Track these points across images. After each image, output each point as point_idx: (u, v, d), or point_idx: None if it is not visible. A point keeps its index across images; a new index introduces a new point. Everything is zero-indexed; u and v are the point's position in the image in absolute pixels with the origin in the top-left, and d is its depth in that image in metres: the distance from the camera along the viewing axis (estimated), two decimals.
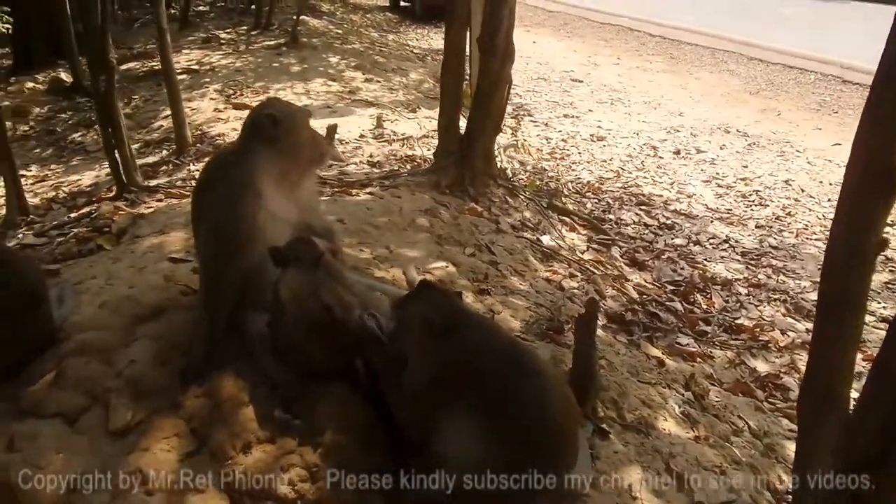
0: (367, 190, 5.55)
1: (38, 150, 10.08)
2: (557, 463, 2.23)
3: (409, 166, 6.96)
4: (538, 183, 7.43)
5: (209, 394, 2.48)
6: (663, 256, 6.86)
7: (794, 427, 4.28)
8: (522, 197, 6.47)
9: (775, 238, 7.59)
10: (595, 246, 6.36)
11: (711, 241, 7.47)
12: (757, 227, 7.87)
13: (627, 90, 13.73)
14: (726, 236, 7.51)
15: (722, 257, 7.07)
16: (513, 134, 9.67)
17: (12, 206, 7.06)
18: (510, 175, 6.98)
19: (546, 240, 5.87)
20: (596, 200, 8.26)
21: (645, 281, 6.17)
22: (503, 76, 5.94)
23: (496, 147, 8.57)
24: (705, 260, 6.94)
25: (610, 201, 8.24)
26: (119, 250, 4.23)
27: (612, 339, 4.45)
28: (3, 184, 7.20)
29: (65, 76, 11.87)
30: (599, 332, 4.41)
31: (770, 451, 3.81)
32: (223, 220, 2.65)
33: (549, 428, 2.21)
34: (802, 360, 5.27)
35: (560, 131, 11.18)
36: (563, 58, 16.44)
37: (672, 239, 7.38)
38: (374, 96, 10.57)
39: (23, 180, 8.53)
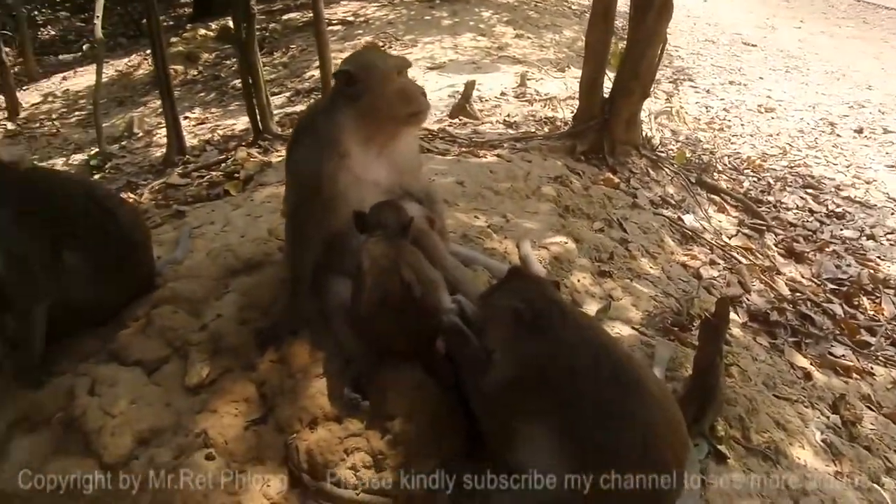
0: (496, 152, 5.25)
1: (202, 94, 10.67)
2: (651, 497, 1.88)
3: (546, 128, 6.55)
4: (688, 155, 6.74)
5: (284, 360, 2.37)
6: (827, 249, 6.02)
7: None
8: (667, 170, 5.88)
9: None
10: (746, 231, 5.67)
11: (889, 236, 6.46)
12: None
13: (807, 57, 12.25)
14: None
15: None
16: (667, 100, 8.91)
17: (172, 145, 7.48)
18: (656, 144, 6.37)
19: (689, 219, 5.29)
20: (755, 179, 7.40)
21: (801, 276, 5.43)
22: (657, 34, 5.35)
23: (645, 113, 7.95)
24: (879, 258, 6.01)
25: (771, 181, 7.35)
26: (242, 197, 4.27)
27: (751, 340, 3.90)
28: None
29: (233, 24, 12.43)
30: (737, 331, 3.89)
31: None
32: (304, 180, 2.50)
33: (646, 456, 1.86)
34: None
35: (723, 100, 10.17)
36: (736, 19, 14.98)
37: (840, 230, 6.46)
38: (522, 53, 10.14)
39: (185, 122, 9.11)
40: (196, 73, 11.26)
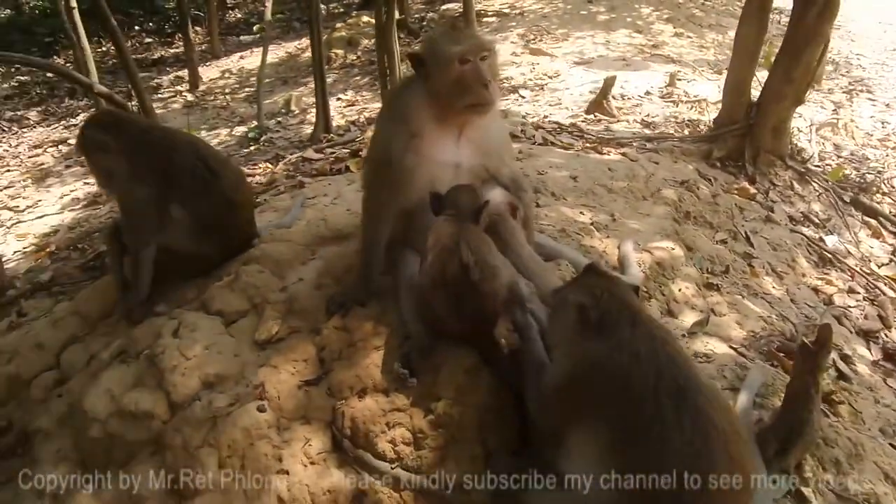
0: (622, 150, 5.03)
1: (357, 78, 11.16)
2: None
3: (687, 131, 6.19)
4: (848, 172, 6.08)
5: (347, 328, 2.44)
6: None
7: None
8: (816, 185, 5.35)
9: None
10: None
11: None
12: None
13: None
14: None
15: None
16: (835, 111, 8.08)
17: (319, 124, 7.93)
18: (810, 157, 5.81)
19: (832, 241, 4.79)
20: None
21: None
22: (819, 33, 4.86)
23: (806, 123, 7.28)
24: None
25: None
26: (359, 173, 4.41)
27: (880, 381, 3.46)
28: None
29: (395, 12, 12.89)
30: (863, 368, 3.48)
31: None
32: (377, 155, 2.54)
33: (700, 493, 1.70)
34: None
35: None
36: None
37: None
38: (678, 53, 9.65)
39: (337, 103, 9.60)
40: (355, 57, 11.79)
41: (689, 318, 3.11)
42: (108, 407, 2.34)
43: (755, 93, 5.29)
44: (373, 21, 12.87)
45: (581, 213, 3.65)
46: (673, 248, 3.48)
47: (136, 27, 15.88)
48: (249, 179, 5.52)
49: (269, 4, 9.01)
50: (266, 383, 2.28)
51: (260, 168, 5.96)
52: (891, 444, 2.91)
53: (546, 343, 2.09)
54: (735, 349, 2.98)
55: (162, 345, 2.45)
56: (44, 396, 2.67)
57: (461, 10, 12.50)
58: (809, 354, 2.32)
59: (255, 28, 14.76)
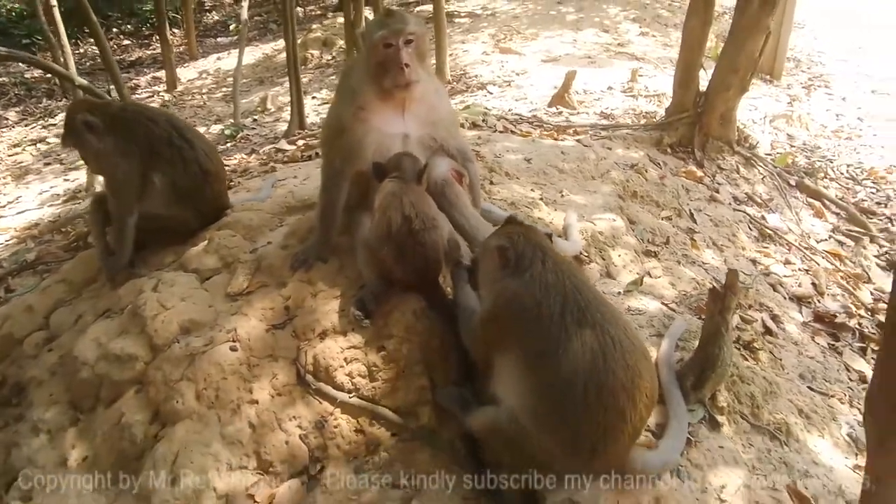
0: (577, 137, 5.35)
1: (332, 77, 11.41)
2: (602, 429, 2.02)
3: (643, 122, 6.53)
4: (796, 159, 6.46)
5: (310, 281, 2.71)
6: None
7: None
8: (761, 169, 5.71)
9: None
10: (839, 237, 5.40)
11: None
12: None
13: None
14: None
15: None
16: (789, 103, 8.50)
17: (294, 120, 8.18)
18: (756, 143, 6.18)
19: (774, 219, 5.14)
20: (873, 190, 6.95)
21: None
22: (761, 25, 5.21)
23: (761, 115, 7.67)
24: None
25: (891, 194, 6.87)
26: None
27: (807, 338, 3.80)
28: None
29: (369, 13, 13.17)
30: (792, 328, 3.81)
31: None
32: (330, 126, 2.82)
33: (599, 397, 2.01)
34: None
35: (860, 108, 9.51)
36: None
37: None
38: (643, 51, 10.03)
39: (312, 101, 9.86)
40: (330, 58, 12.06)
41: (626, 280, 3.42)
42: (96, 352, 2.60)
43: (705, 84, 5.64)
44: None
45: (532, 190, 3.96)
46: (614, 220, 3.80)
47: (114, 29, 16.01)
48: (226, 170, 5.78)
49: (245, 4, 9.22)
50: (237, 328, 2.55)
51: (235, 160, 6.21)
52: (809, 387, 3.24)
53: (474, 284, 2.38)
54: (666, 305, 3.29)
55: (143, 298, 2.71)
56: (35, 353, 2.92)
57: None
58: (718, 297, 2.64)
59: (231, 28, 14.98)
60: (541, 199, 3.85)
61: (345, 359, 2.44)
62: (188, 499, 2.17)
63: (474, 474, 2.26)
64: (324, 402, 2.40)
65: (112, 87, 7.68)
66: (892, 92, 10.36)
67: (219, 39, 15.31)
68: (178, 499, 2.17)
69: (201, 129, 9.61)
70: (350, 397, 2.40)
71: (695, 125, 5.59)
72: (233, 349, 2.47)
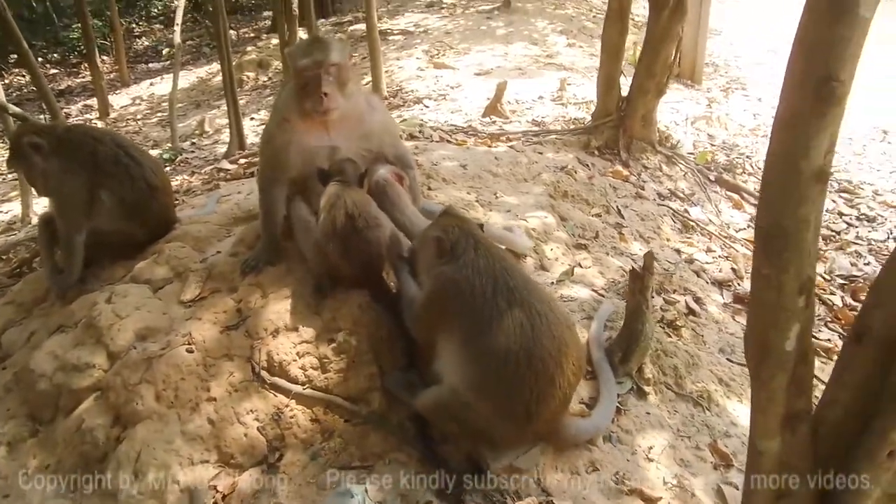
0: (510, 143, 5.62)
1: (269, 98, 11.48)
2: (535, 395, 2.23)
3: (572, 127, 6.86)
4: (716, 157, 6.90)
5: (260, 284, 2.86)
6: (849, 249, 6.07)
7: None
8: (682, 166, 6.10)
9: None
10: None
11: None
12: None
13: (879, 66, 11.91)
14: None
15: None
16: (708, 105, 9.01)
17: (234, 142, 8.25)
18: (677, 142, 6.58)
19: (695, 211, 5.50)
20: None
21: None
22: (672, 32, 5.59)
23: (682, 116, 8.12)
24: None
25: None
26: None
27: (728, 318, 4.12)
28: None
29: (304, 35, 13.30)
30: (713, 309, 4.12)
31: None
32: (263, 139, 3.04)
33: (529, 365, 2.22)
34: None
35: (774, 108, 10.08)
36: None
37: (869, 232, 6.46)
38: (571, 61, 10.44)
39: (251, 122, 9.92)
40: (266, 79, 12.13)
41: (559, 271, 3.67)
42: (53, 364, 2.68)
43: (627, 89, 6.00)
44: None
45: (468, 193, 4.18)
46: (546, 217, 4.05)
47: (39, 59, 15.68)
48: None
49: (177, 28, 9.25)
50: (192, 331, 2.67)
51: (178, 181, 6.26)
52: (729, 360, 3.54)
53: (415, 273, 2.57)
54: (596, 291, 3.55)
55: (98, 309, 2.80)
56: None
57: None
58: (637, 277, 2.90)
59: (164, 53, 14.88)
60: (476, 201, 4.07)
61: (297, 353, 2.59)
62: (152, 494, 2.28)
63: (423, 450, 2.43)
64: (279, 395, 2.54)
65: (47, 116, 7.61)
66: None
67: (151, 65, 15.17)
68: (143, 494, 2.27)
69: None
70: (304, 389, 2.55)
71: (619, 128, 5.92)
72: (189, 351, 2.59)
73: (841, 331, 4.64)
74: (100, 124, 11.30)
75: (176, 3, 9.38)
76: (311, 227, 2.81)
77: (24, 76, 14.93)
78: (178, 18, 9.41)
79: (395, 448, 2.49)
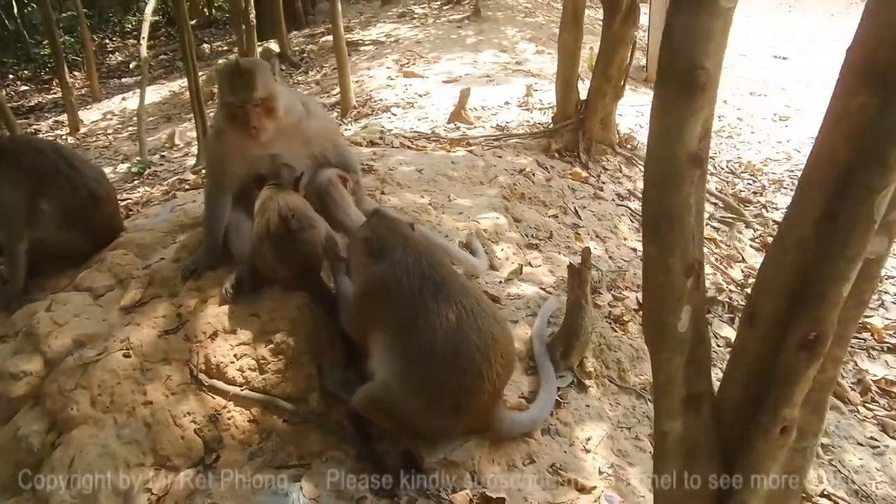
0: (470, 148, 5.68)
1: None
2: (463, 388, 2.27)
3: (533, 131, 6.94)
4: None
5: (200, 288, 2.88)
6: None
7: (878, 436, 3.78)
8: (642, 167, 6.17)
9: None
10: (714, 224, 5.90)
11: None
12: None
13: (838, 69, 12.15)
14: None
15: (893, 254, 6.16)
16: None
17: (201, 154, 8.25)
18: (636, 145, 6.67)
19: None
20: (750, 182, 7.60)
21: None
22: (625, 36, 5.70)
23: (647, 119, 8.21)
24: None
25: (766, 184, 7.53)
26: None
27: None
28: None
29: (275, 46, 13.34)
30: None
31: (823, 451, 3.41)
32: (206, 148, 3.08)
33: (456, 358, 2.26)
34: None
35: (739, 109, 10.30)
36: (776, 34, 14.95)
37: None
38: (539, 68, 10.54)
39: None
40: None
41: (508, 269, 3.72)
42: None
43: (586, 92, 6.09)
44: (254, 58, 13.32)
45: (421, 196, 4.23)
46: (498, 218, 4.10)
47: (10, 75, 15.64)
48: (128, 202, 5.83)
49: (143, 42, 9.26)
50: (130, 336, 2.69)
51: (139, 193, 6.26)
52: None
53: (350, 273, 2.61)
54: (544, 289, 3.60)
55: (37, 318, 2.81)
56: None
57: None
58: (576, 272, 2.95)
59: (131, 66, 14.88)
60: (429, 204, 4.12)
61: (235, 355, 2.62)
62: (85, 498, 2.29)
63: (361, 448, 2.46)
64: (217, 397, 2.56)
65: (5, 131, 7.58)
66: (768, 93, 11.25)
67: (123, 80, 15.13)
68: (76, 498, 2.28)
69: (107, 169, 9.52)
70: (241, 390, 2.57)
71: (578, 131, 6.01)
72: (126, 356, 2.61)
73: None
74: (70, 140, 11.26)
75: (144, 17, 9.37)
76: (243, 228, 2.86)
77: None
78: (144, 33, 9.41)
79: (333, 447, 2.51)
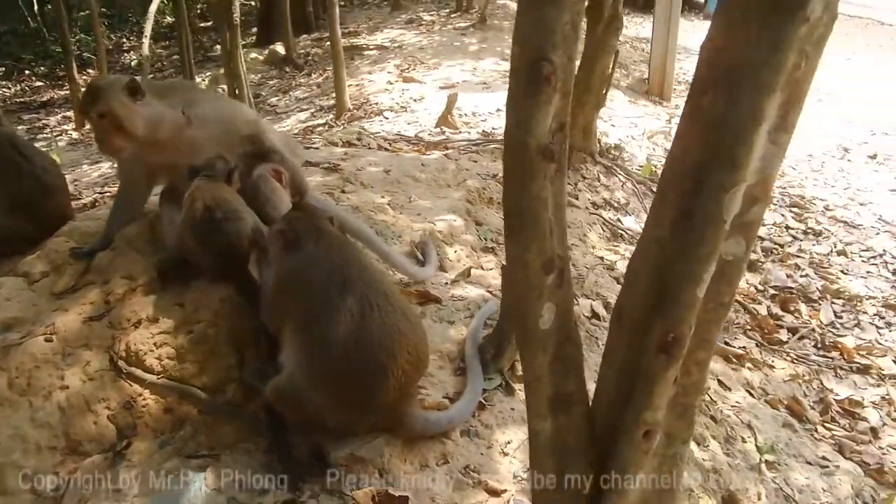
0: (446, 151, 5.69)
1: None
2: (366, 384, 2.26)
3: None
4: (657, 168, 6.96)
5: (132, 276, 2.90)
6: (789, 262, 6.13)
7: (831, 456, 3.72)
8: (621, 177, 6.15)
9: None
10: None
11: (864, 253, 6.46)
12: None
13: (847, 88, 12.05)
14: (884, 251, 6.42)
15: (867, 272, 6.09)
16: (668, 120, 9.10)
17: None
18: (617, 155, 6.66)
19: (629, 221, 5.56)
20: None
21: (747, 282, 5.59)
22: (607, 45, 5.70)
23: (640, 131, 8.21)
24: (842, 272, 6.05)
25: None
26: None
27: None
28: None
29: (280, 49, 13.48)
30: None
31: (768, 468, 3.36)
32: None
33: (358, 353, 2.25)
34: None
35: None
36: None
37: (813, 246, 6.52)
38: None
39: None
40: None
41: (457, 273, 3.71)
42: None
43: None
44: (260, 57, 13.47)
45: (382, 196, 4.24)
46: (454, 221, 4.10)
47: (26, 71, 15.93)
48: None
49: (145, 40, 9.39)
50: (56, 321, 2.71)
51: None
52: None
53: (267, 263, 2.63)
54: (490, 291, 3.58)
55: None
56: None
57: (346, 44, 13.24)
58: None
59: (132, 63, 15.09)
60: (388, 204, 4.13)
61: (154, 343, 2.63)
62: None
63: (272, 439, 2.46)
64: (134, 384, 2.57)
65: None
66: None
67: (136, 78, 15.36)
68: None
69: (105, 165, 9.65)
70: (158, 379, 2.58)
71: None
72: (48, 340, 2.63)
73: (759, 339, 4.68)
74: (75, 135, 11.44)
75: (147, 16, 9.53)
76: (176, 221, 2.88)
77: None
78: (147, 30, 9.55)
79: (245, 438, 2.52)
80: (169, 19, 18.65)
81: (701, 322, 1.52)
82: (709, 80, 1.39)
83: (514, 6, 15.59)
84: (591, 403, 1.77)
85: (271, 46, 13.63)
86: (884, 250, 6.44)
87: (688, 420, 1.67)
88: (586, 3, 5.77)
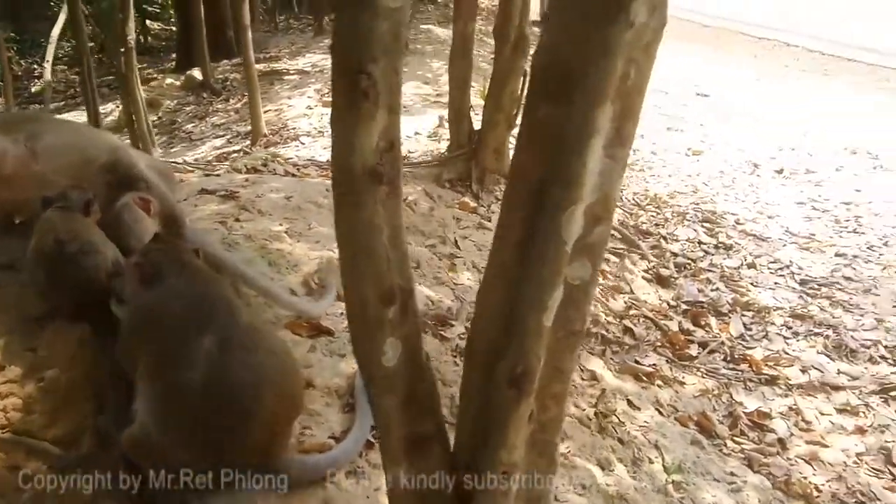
0: None
1: (157, 137, 11.21)
2: (225, 426, 2.08)
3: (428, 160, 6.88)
4: None
5: None
6: (700, 276, 6.20)
7: (739, 471, 3.70)
8: None
9: (854, 269, 6.53)
10: (607, 255, 5.86)
11: (772, 265, 6.61)
12: (837, 255, 6.80)
13: (758, 106, 12.52)
14: (790, 262, 6.60)
15: (775, 283, 6.22)
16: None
17: None
18: None
19: None
20: (653, 214, 7.65)
21: (660, 298, 5.62)
22: (516, 66, 5.69)
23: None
24: (752, 284, 6.16)
25: (669, 216, 7.59)
26: None
27: None
28: None
29: (198, 74, 13.13)
30: None
31: (675, 489, 3.30)
32: None
33: (217, 396, 2.07)
34: (815, 402, 4.55)
35: (654, 143, 10.46)
36: (697, 72, 15.37)
37: (724, 259, 6.63)
38: None
39: None
40: (155, 118, 11.85)
41: None
42: None
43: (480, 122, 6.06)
44: (177, 83, 13.10)
45: (279, 224, 4.05)
46: None
47: None
48: None
49: (47, 66, 8.97)
50: None
51: None
52: None
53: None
54: None
55: None
56: None
57: (264, 71, 13.01)
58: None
59: (33, 90, 14.50)
60: (286, 231, 3.95)
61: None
62: None
63: (133, 496, 2.23)
64: None
65: None
66: (685, 129, 11.49)
67: (52, 105, 14.70)
68: None
69: None
70: (2, 433, 2.32)
71: (471, 160, 5.95)
72: None
73: (670, 355, 4.68)
74: None
75: (49, 40, 9.11)
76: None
77: None
78: (49, 56, 9.13)
79: (103, 495, 2.28)
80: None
81: (552, 352, 1.42)
82: (544, 91, 1.30)
83: (438, 31, 15.81)
84: (452, 445, 1.64)
85: (188, 72, 13.25)
86: (790, 261, 6.62)
87: (549, 457, 1.56)
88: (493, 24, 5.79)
